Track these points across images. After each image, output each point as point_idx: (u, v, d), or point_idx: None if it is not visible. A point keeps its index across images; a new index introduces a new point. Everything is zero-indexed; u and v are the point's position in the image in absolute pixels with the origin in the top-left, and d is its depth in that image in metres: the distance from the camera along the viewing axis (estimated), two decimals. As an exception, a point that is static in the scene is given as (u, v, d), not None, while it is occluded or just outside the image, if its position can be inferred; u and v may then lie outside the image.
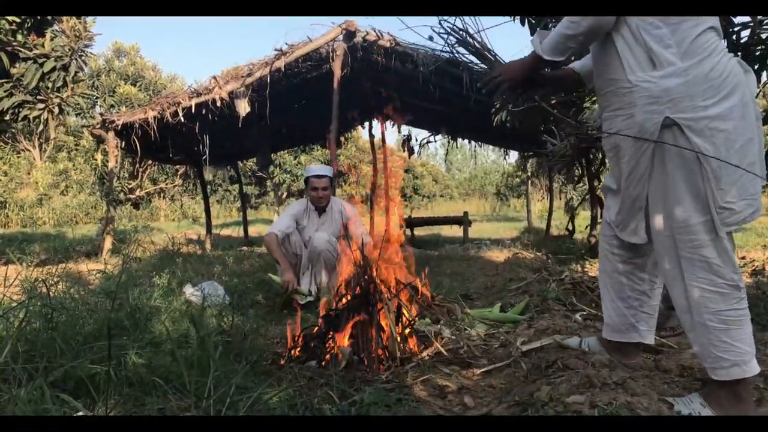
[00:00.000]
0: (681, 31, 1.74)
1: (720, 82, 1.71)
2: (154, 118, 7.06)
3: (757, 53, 3.92)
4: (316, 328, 2.58)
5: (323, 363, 2.35)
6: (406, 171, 29.59)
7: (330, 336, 2.43)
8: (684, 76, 1.73)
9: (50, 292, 2.78)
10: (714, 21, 1.77)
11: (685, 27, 1.74)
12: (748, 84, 1.78)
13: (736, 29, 3.68)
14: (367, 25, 6.38)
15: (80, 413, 1.58)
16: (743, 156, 1.71)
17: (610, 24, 1.83)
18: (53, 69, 6.10)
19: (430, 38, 6.76)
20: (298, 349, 2.49)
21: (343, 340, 2.38)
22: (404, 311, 2.59)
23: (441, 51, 6.57)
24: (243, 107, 6.80)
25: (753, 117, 1.75)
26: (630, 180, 1.92)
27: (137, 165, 9.94)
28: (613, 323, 2.21)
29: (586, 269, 5.39)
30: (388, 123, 8.97)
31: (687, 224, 1.75)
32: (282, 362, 2.39)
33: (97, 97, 20.78)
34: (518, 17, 5.07)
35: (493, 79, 2.10)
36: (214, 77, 6.85)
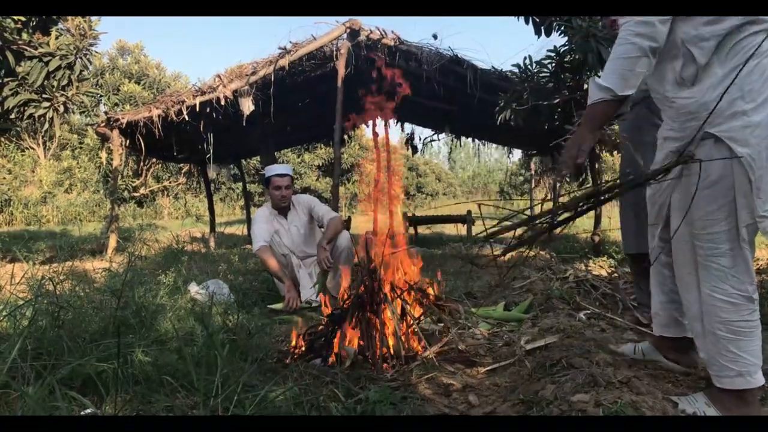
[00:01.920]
0: (725, 40, 1.69)
1: (761, 84, 1.66)
2: (158, 116, 7.07)
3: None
4: (321, 327, 2.59)
5: (328, 361, 2.36)
6: (410, 169, 29.59)
7: (335, 335, 2.44)
8: (722, 85, 1.67)
9: (57, 291, 2.79)
10: (763, 24, 1.67)
11: (730, 36, 1.68)
12: None
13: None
14: (371, 24, 6.39)
15: (89, 411, 1.59)
16: None
17: (664, 25, 1.71)
18: (58, 67, 6.12)
19: (434, 36, 6.69)
20: (303, 347, 2.50)
21: (350, 340, 2.38)
22: (408, 310, 2.60)
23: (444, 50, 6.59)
24: (247, 106, 6.81)
25: None
26: (657, 188, 1.95)
27: (141, 163, 9.96)
28: (659, 317, 2.22)
29: (590, 268, 5.38)
30: (391, 121, 8.96)
31: (708, 232, 1.75)
32: (287, 360, 2.40)
33: (101, 96, 20.82)
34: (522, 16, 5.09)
35: (566, 162, 1.85)
36: (219, 76, 6.86)
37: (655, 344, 2.30)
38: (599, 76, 1.80)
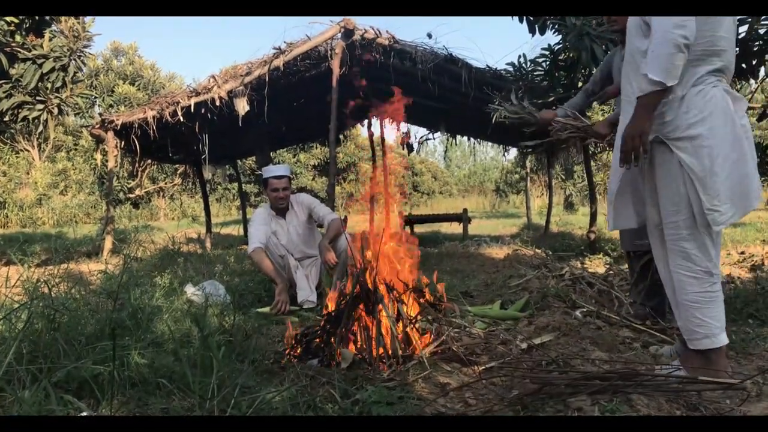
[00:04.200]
0: (689, 66, 2.02)
1: (702, 105, 2.02)
2: (153, 117, 7.05)
3: (755, 49, 3.93)
4: (318, 328, 2.59)
5: (326, 362, 2.35)
6: (406, 168, 29.56)
7: (331, 335, 2.44)
8: (677, 102, 2.04)
9: (52, 293, 2.78)
10: (722, 62, 2.05)
11: (692, 64, 2.02)
12: (737, 110, 2.07)
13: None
14: (366, 23, 6.38)
15: (84, 414, 1.59)
16: (733, 168, 2.03)
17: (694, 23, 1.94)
18: (52, 69, 6.10)
19: (429, 36, 6.68)
20: (300, 348, 2.49)
21: (347, 343, 2.38)
22: (404, 309, 2.60)
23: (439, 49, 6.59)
24: (242, 106, 6.79)
25: (739, 137, 2.04)
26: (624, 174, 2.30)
27: (136, 164, 9.92)
28: None
29: (585, 265, 5.40)
30: (386, 120, 8.95)
31: (671, 220, 2.11)
32: (284, 361, 2.40)
33: (95, 97, 20.75)
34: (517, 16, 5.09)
35: (629, 149, 2.10)
36: (213, 76, 6.84)
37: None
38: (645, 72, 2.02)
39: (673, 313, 2.24)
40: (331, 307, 2.66)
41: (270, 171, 4.24)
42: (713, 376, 1.96)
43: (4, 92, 6.05)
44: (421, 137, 10.56)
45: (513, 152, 13.36)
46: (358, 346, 2.41)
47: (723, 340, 2.08)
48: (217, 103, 6.76)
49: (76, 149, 23.45)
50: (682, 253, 2.08)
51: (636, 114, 2.06)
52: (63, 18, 6.21)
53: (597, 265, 5.62)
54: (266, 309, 3.68)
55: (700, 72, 2.04)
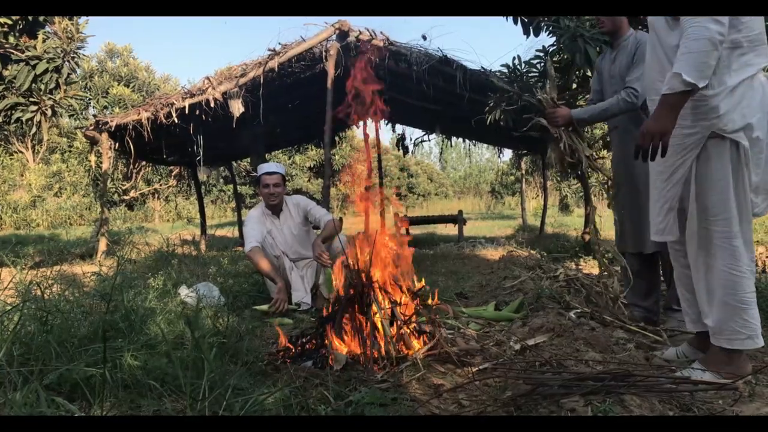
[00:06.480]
0: (734, 52, 1.98)
1: (752, 94, 1.99)
2: (148, 119, 7.04)
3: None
4: (312, 330, 2.58)
5: (319, 364, 2.35)
6: (401, 170, 29.62)
7: (325, 337, 2.43)
8: (730, 94, 1.97)
9: (45, 295, 2.77)
10: (762, 47, 2.01)
11: (739, 48, 1.98)
12: None
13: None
14: (360, 25, 6.39)
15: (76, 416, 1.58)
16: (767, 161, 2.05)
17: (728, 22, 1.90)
18: (46, 71, 6.08)
19: (424, 37, 6.71)
20: (293, 350, 2.49)
21: (339, 344, 2.38)
22: (398, 311, 2.59)
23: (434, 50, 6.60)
24: (237, 107, 6.79)
25: None
26: (669, 181, 2.16)
27: (131, 166, 9.89)
28: (689, 315, 2.35)
29: (580, 266, 5.41)
30: (381, 122, 8.97)
31: (724, 217, 2.02)
32: (278, 363, 2.39)
33: (90, 99, 20.69)
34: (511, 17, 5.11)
35: (647, 147, 2.00)
36: (208, 78, 6.83)
37: (692, 343, 2.41)
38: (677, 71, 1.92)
39: (707, 316, 2.13)
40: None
41: (262, 168, 4.32)
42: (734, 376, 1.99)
43: (-3, 93, 6.03)
44: (417, 139, 10.57)
45: (508, 154, 13.39)
46: (352, 347, 2.40)
47: (761, 342, 2.05)
48: (212, 105, 6.76)
49: (70, 151, 23.38)
50: (732, 251, 2.01)
51: (659, 112, 1.95)
52: (57, 19, 6.20)
53: (592, 266, 5.63)
54: (264, 307, 3.69)
55: (751, 60, 1.99)
